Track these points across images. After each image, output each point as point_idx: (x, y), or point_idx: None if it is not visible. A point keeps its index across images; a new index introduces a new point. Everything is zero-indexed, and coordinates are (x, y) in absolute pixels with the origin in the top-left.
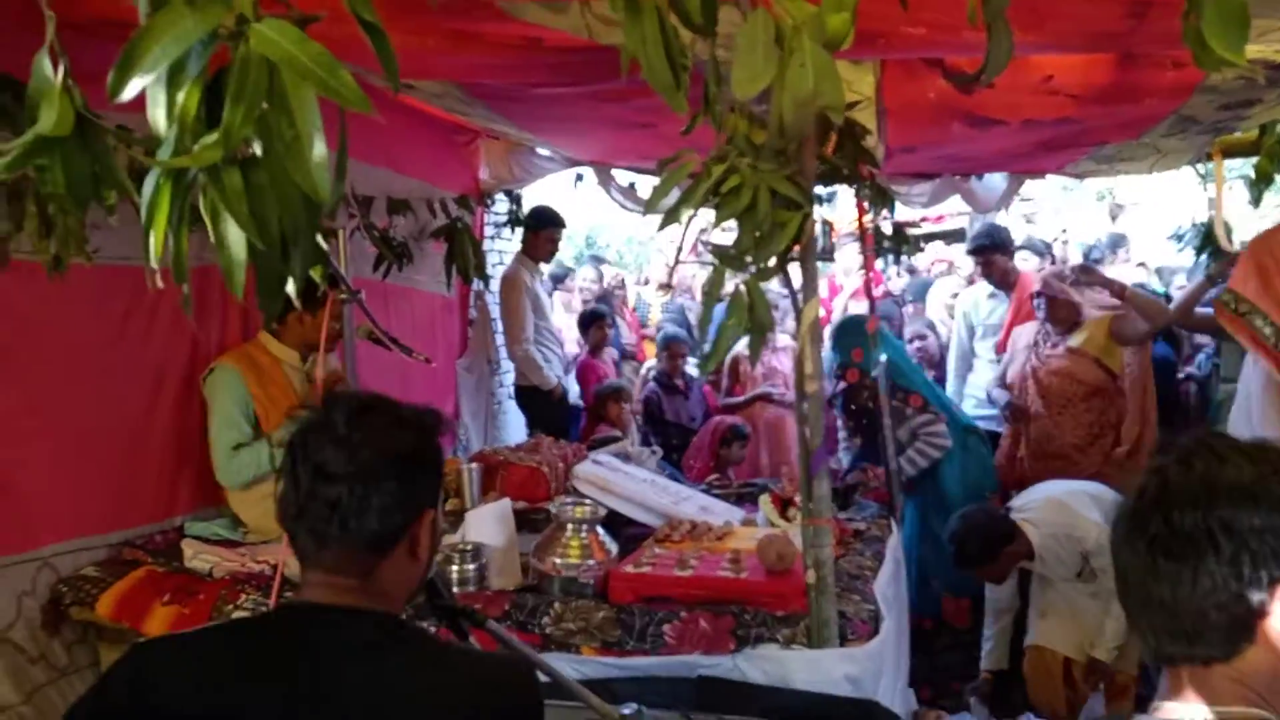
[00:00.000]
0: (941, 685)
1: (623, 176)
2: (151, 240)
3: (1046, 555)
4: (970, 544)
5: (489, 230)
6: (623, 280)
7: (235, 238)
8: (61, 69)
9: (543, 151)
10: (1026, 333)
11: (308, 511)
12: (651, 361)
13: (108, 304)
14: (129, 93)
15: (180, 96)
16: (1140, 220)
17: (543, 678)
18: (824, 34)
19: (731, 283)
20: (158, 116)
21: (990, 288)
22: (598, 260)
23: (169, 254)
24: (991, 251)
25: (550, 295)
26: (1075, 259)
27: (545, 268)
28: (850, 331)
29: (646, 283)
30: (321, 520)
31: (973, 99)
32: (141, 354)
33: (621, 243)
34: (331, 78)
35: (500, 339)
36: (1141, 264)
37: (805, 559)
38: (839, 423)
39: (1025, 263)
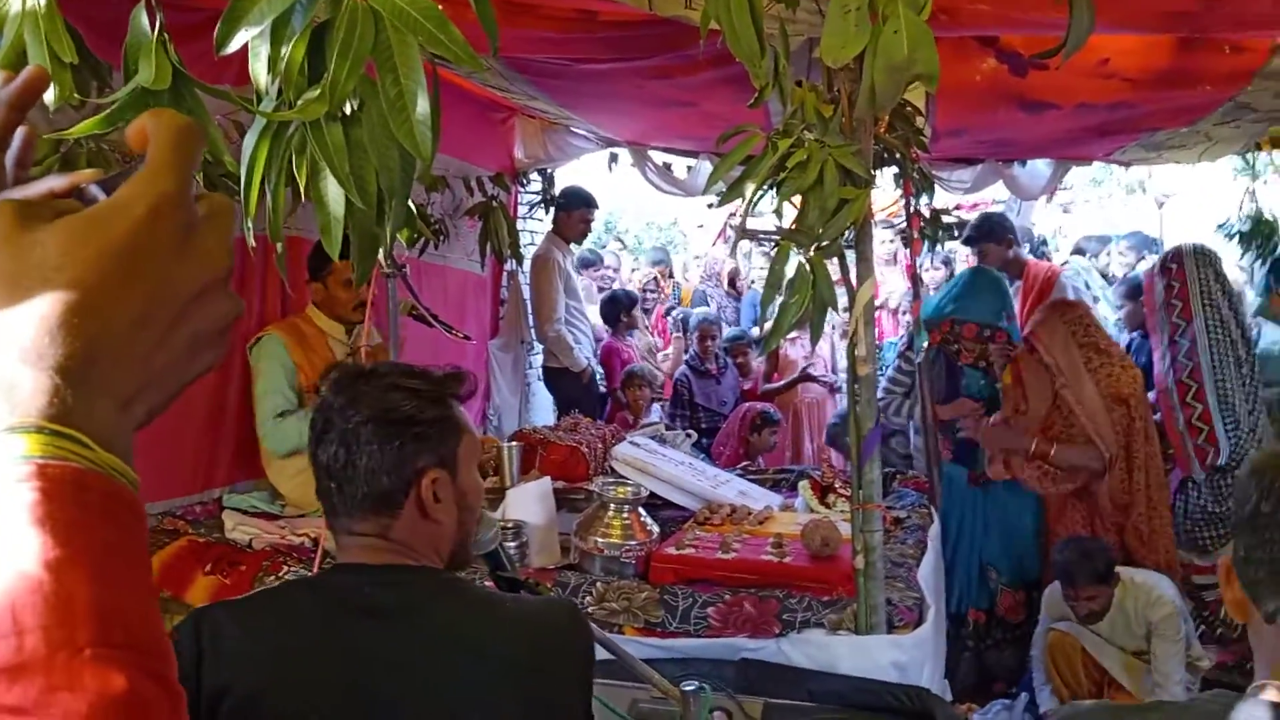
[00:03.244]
0: (984, 684)
1: (658, 157)
2: (250, 198)
3: (1117, 616)
4: (1098, 558)
5: (521, 209)
6: (656, 279)
7: (335, 195)
8: (158, 24)
9: (578, 131)
10: None
11: (317, 479)
12: (669, 350)
13: None
14: (234, 45)
15: (284, 50)
16: (1181, 213)
17: (602, 654)
18: (917, 2)
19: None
20: (259, 71)
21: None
22: (661, 251)
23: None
24: (984, 241)
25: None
26: (1117, 261)
27: (576, 248)
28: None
29: (669, 274)
30: (324, 485)
31: (1024, 82)
32: None
33: (641, 227)
34: (442, 32)
35: (531, 319)
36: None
37: (854, 544)
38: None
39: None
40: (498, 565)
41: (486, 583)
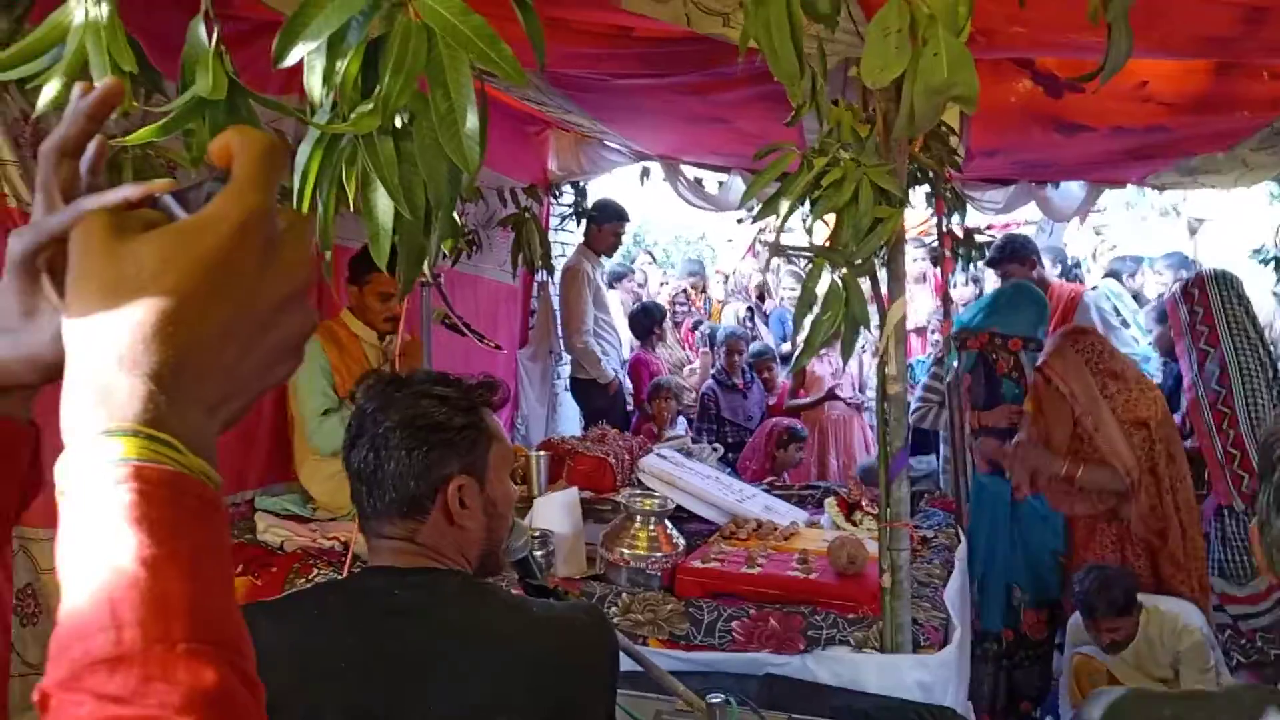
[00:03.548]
0: (1012, 705)
1: (690, 172)
2: (302, 207)
3: (1142, 645)
4: (1116, 589)
5: (553, 221)
6: (687, 292)
7: (384, 207)
8: (215, 35)
9: (611, 144)
10: None
11: (350, 480)
12: (696, 364)
13: None
14: (291, 59)
15: (340, 65)
16: (1215, 237)
17: (627, 664)
18: (957, 25)
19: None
20: (314, 84)
21: None
22: (696, 264)
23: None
24: (1007, 263)
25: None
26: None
27: (606, 261)
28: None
29: (704, 289)
30: (356, 489)
31: (1060, 103)
32: None
33: (669, 240)
34: (492, 49)
35: (560, 330)
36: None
37: (881, 562)
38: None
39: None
40: (527, 573)
41: (515, 590)
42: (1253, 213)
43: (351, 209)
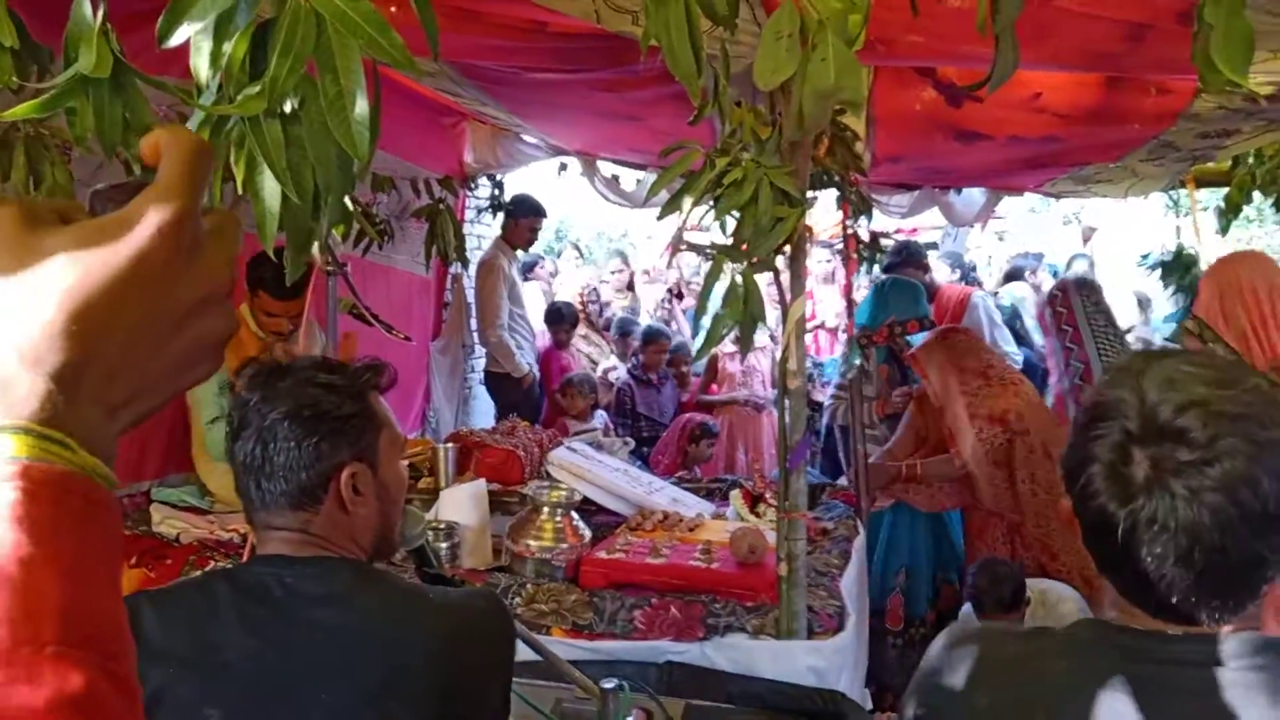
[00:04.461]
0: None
1: (606, 168)
2: None
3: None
4: (1005, 586)
5: (469, 214)
6: (596, 291)
7: (270, 190)
8: (100, 12)
9: (528, 138)
10: None
11: (235, 475)
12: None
13: None
14: (176, 39)
15: (226, 46)
16: (1109, 244)
17: (523, 654)
18: (846, 31)
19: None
20: (200, 65)
21: None
22: (622, 254)
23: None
24: (902, 267)
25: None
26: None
27: (522, 255)
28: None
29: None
30: (243, 481)
31: (960, 112)
32: None
33: (591, 237)
34: (381, 36)
35: (474, 323)
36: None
37: (779, 552)
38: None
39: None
40: (424, 561)
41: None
42: (1147, 221)
43: (239, 192)
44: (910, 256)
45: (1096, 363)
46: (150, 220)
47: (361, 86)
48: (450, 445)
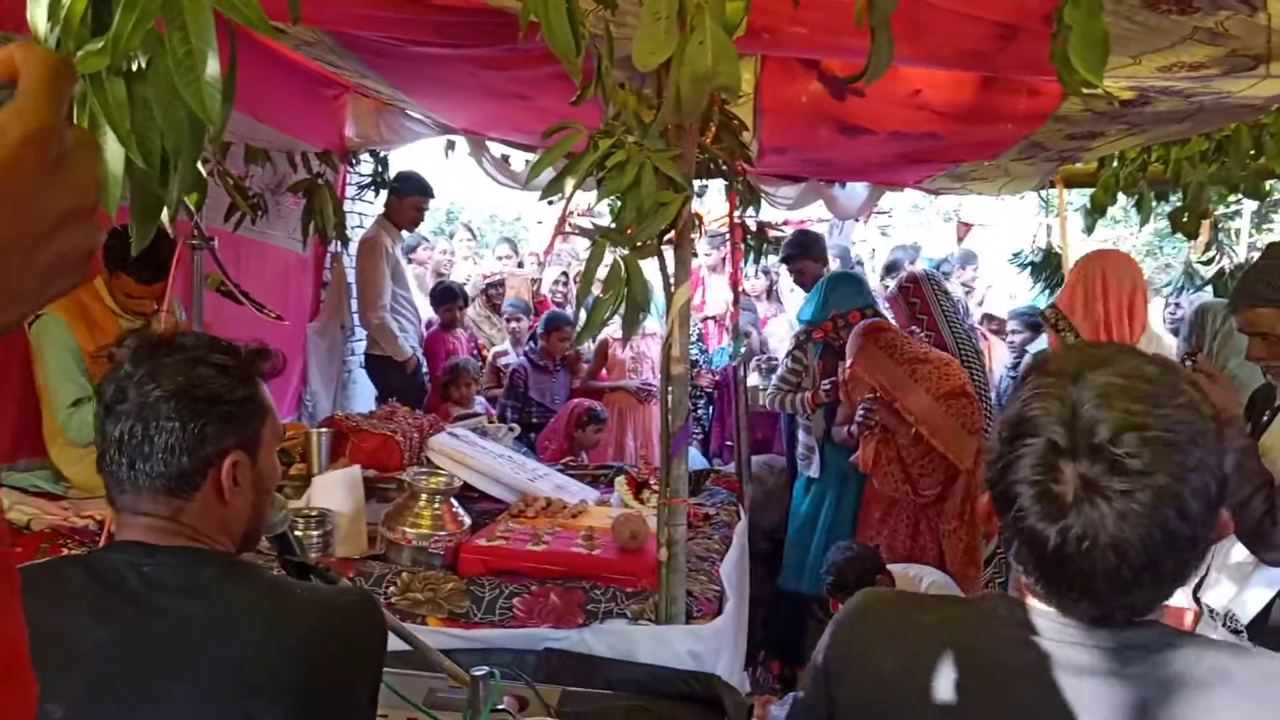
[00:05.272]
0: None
1: (496, 149)
2: None
3: None
4: (850, 573)
5: (350, 190)
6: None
7: (114, 152)
8: None
9: (414, 114)
10: None
11: (104, 453)
12: (503, 345)
13: None
14: None
15: None
16: (984, 241)
17: (396, 644)
18: (723, 16)
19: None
20: (38, 18)
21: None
22: (511, 242)
23: None
24: (801, 258)
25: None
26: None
27: (407, 235)
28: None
29: (521, 266)
30: (113, 460)
31: (844, 106)
32: None
33: (484, 219)
34: None
35: (355, 304)
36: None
37: (659, 537)
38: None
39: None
40: (286, 549)
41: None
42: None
43: None
44: (809, 248)
45: (951, 340)
46: (13, 133)
47: (213, 46)
48: (324, 430)
